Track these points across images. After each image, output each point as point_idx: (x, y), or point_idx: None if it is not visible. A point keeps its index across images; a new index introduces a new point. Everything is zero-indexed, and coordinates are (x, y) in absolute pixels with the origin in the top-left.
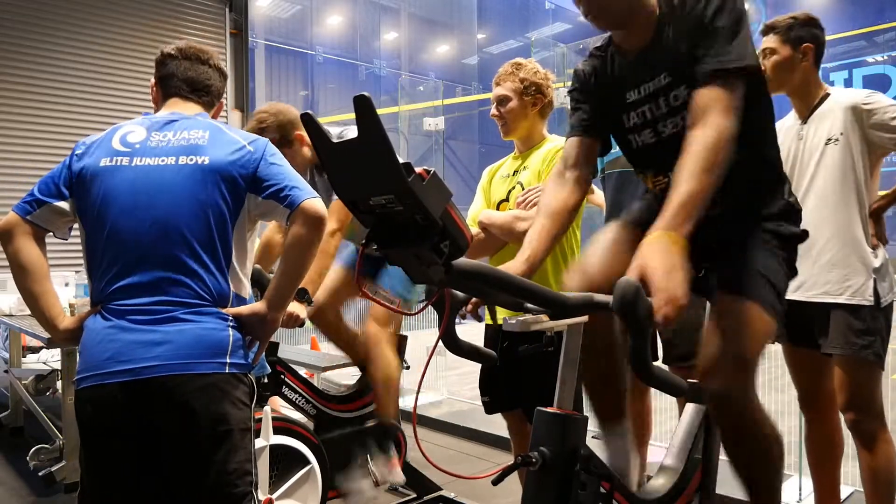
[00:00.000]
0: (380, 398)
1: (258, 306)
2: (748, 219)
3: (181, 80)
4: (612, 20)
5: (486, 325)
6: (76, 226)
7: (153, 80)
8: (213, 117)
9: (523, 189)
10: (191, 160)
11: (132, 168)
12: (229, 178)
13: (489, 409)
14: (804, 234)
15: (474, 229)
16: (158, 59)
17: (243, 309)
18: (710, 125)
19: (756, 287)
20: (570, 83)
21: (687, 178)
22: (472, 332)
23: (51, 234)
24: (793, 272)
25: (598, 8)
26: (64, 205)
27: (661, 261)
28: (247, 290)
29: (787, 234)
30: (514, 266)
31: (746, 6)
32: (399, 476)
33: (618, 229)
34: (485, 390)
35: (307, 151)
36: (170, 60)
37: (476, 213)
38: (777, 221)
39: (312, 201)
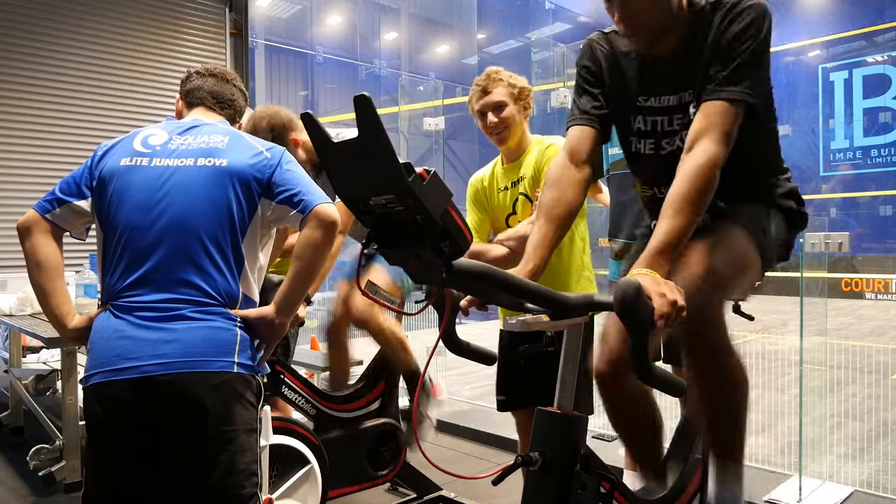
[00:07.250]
0: (400, 357)
1: (266, 310)
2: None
3: (207, 92)
4: (648, 37)
5: (501, 330)
6: (94, 226)
7: (178, 95)
8: None
9: (528, 199)
10: (209, 162)
11: (150, 168)
12: (245, 182)
13: (503, 406)
14: (806, 219)
15: (500, 249)
16: (185, 77)
17: (251, 312)
18: (702, 152)
19: (747, 220)
20: (571, 81)
21: (673, 212)
22: (473, 332)
23: (68, 234)
24: (790, 239)
25: (636, 24)
26: (84, 204)
27: (649, 279)
28: (256, 292)
29: (792, 208)
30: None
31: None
32: (443, 392)
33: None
34: (502, 389)
35: (302, 154)
36: (196, 77)
37: (477, 228)
38: (784, 199)
39: (325, 206)
